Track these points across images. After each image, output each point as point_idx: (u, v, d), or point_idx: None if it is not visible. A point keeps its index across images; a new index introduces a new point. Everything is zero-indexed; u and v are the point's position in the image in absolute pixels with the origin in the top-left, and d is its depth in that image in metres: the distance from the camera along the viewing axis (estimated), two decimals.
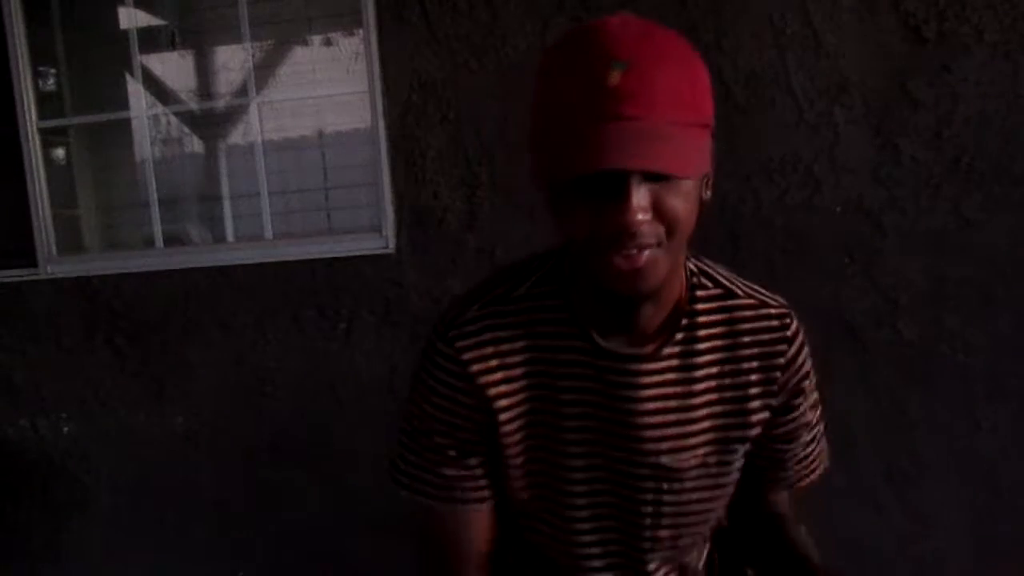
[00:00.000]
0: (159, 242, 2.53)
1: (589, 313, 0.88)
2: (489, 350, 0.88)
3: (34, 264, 2.54)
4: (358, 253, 2.32)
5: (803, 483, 1.02)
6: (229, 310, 2.42)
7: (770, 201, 2.10)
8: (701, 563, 1.07)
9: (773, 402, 0.91)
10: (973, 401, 2.08)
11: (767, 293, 0.94)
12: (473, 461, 0.92)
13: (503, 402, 0.88)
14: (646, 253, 0.76)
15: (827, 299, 2.09)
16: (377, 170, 2.30)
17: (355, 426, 2.34)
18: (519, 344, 0.88)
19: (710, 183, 0.83)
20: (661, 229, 0.76)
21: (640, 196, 0.73)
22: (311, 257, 2.36)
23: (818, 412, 0.99)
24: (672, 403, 0.89)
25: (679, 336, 0.89)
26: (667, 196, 0.75)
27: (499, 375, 0.88)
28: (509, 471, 0.92)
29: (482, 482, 0.93)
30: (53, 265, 2.54)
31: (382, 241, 2.31)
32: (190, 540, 2.52)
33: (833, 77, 2.04)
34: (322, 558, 2.45)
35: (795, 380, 0.92)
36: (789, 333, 0.91)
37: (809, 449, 0.99)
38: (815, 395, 0.97)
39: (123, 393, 2.51)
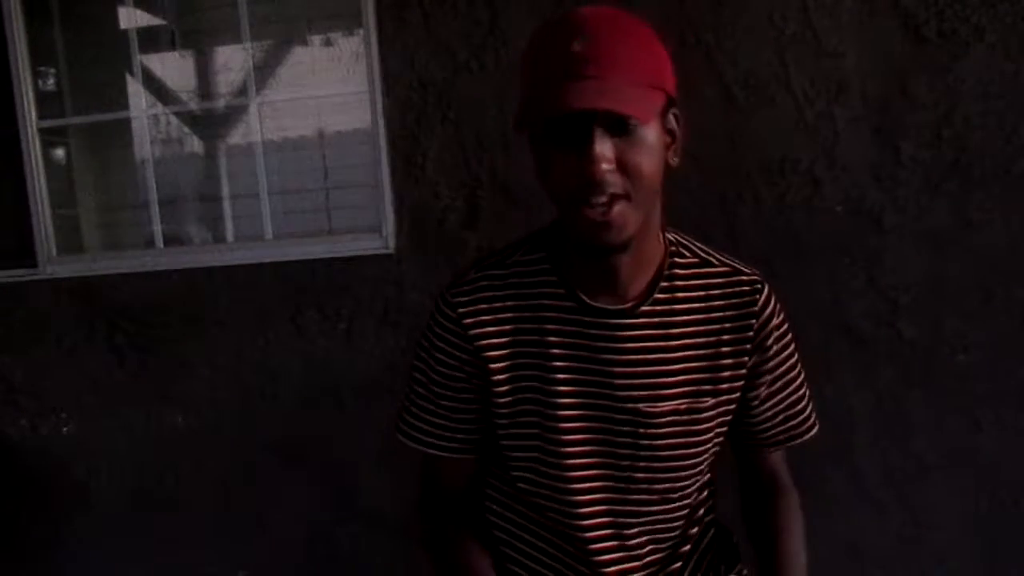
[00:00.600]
0: (159, 242, 2.53)
1: (575, 274, 0.99)
2: (482, 306, 0.99)
3: (34, 264, 2.54)
4: (358, 253, 2.32)
5: (795, 443, 1.11)
6: (229, 310, 2.42)
7: (770, 201, 2.10)
8: (690, 553, 1.12)
9: (746, 359, 1.02)
10: (973, 401, 2.08)
11: (741, 263, 1.04)
12: (465, 414, 1.04)
13: (494, 353, 0.99)
14: (615, 207, 0.87)
15: (827, 299, 2.09)
16: (377, 170, 2.30)
17: (355, 426, 2.34)
18: (510, 303, 1.00)
19: (677, 149, 0.94)
20: (626, 181, 0.87)
21: (603, 147, 0.85)
22: (311, 257, 2.36)
23: (801, 375, 1.08)
24: (649, 356, 0.99)
25: (658, 296, 0.99)
26: (629, 150, 0.86)
27: (491, 329, 0.99)
28: (502, 422, 1.02)
29: (471, 435, 1.05)
30: (53, 265, 2.54)
31: (382, 241, 2.31)
32: (190, 540, 2.52)
33: (833, 77, 2.04)
34: (322, 558, 2.45)
35: (768, 339, 1.02)
36: (760, 297, 1.01)
37: (798, 407, 1.09)
38: (795, 358, 1.07)
39: (123, 393, 2.51)
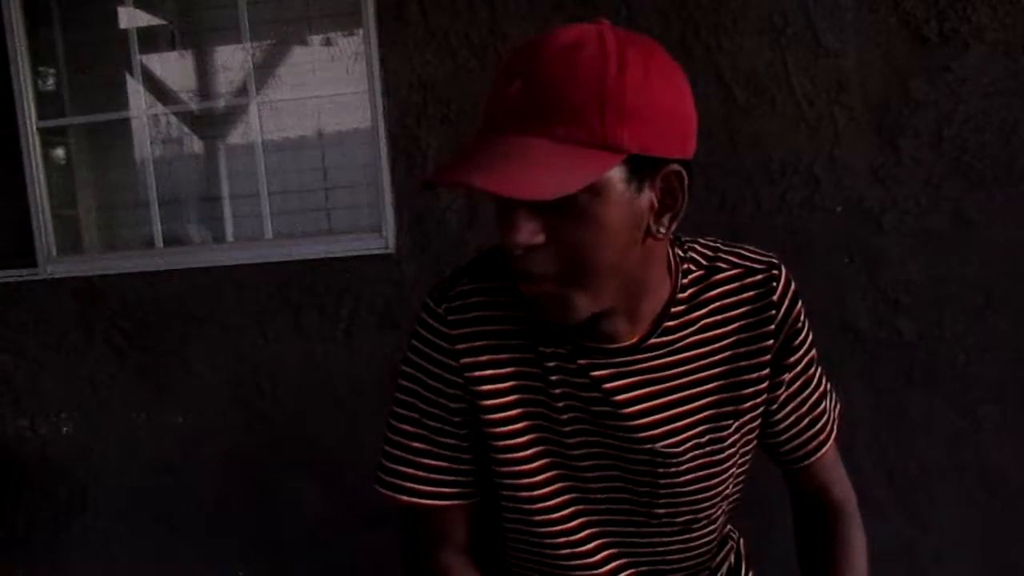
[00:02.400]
0: (159, 242, 2.53)
1: None
2: (475, 329, 0.85)
3: (34, 264, 2.53)
4: (358, 253, 2.32)
5: (825, 447, 1.01)
6: (229, 310, 2.42)
7: (770, 201, 2.10)
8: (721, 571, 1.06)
9: (766, 371, 0.90)
10: (973, 401, 2.08)
11: (751, 255, 0.92)
12: (458, 451, 0.89)
13: (487, 388, 0.86)
14: (547, 288, 0.73)
15: (827, 299, 2.09)
16: (377, 170, 2.30)
17: (355, 426, 2.34)
18: (508, 328, 0.86)
19: (673, 216, 0.78)
20: (558, 262, 0.71)
21: (521, 219, 0.69)
22: (311, 257, 2.36)
23: (819, 370, 0.98)
24: (660, 386, 0.87)
25: (668, 324, 0.87)
26: (564, 226, 0.69)
27: (483, 359, 0.85)
28: (508, 471, 0.89)
29: (466, 477, 0.90)
30: (53, 265, 2.54)
31: (382, 241, 2.31)
32: (190, 540, 2.52)
33: (833, 77, 2.04)
34: (322, 558, 2.45)
35: (788, 339, 0.91)
36: (776, 296, 0.90)
37: (821, 407, 0.99)
38: (813, 351, 0.95)
39: (123, 393, 2.51)
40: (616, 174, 0.70)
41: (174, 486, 2.51)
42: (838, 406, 1.05)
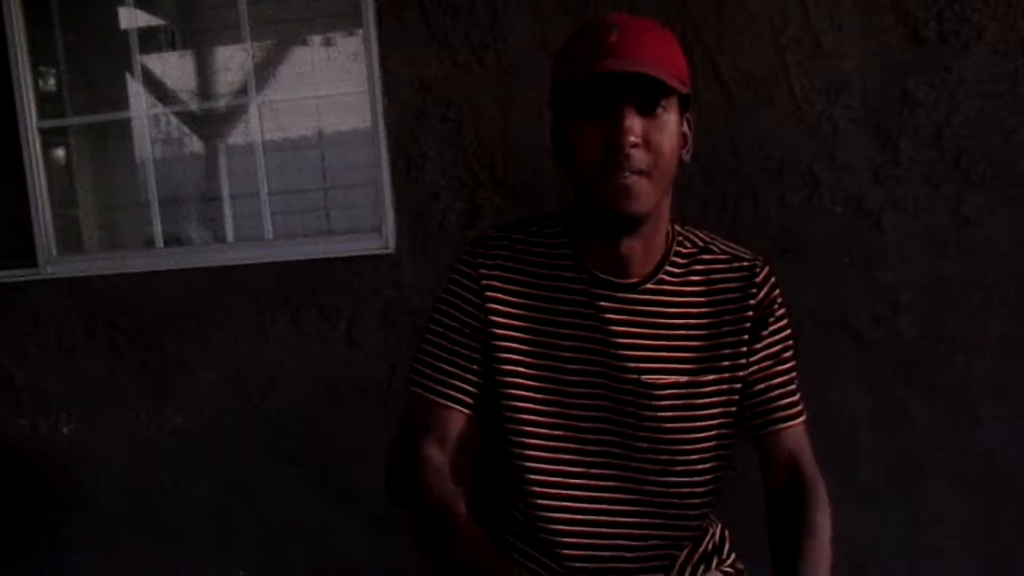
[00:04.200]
0: (159, 242, 2.53)
1: (588, 253, 1.05)
2: (499, 264, 1.06)
3: (34, 264, 2.53)
4: (358, 253, 2.32)
5: (796, 420, 1.09)
6: (229, 310, 2.42)
7: (770, 201, 2.10)
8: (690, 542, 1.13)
9: (746, 337, 1.06)
10: (973, 401, 2.08)
11: (742, 249, 1.11)
12: (472, 363, 1.06)
13: (503, 315, 1.05)
14: (636, 179, 0.94)
15: (827, 299, 2.09)
16: (377, 170, 2.30)
17: (355, 426, 2.34)
18: (526, 268, 1.07)
19: (689, 149, 1.03)
20: (649, 158, 0.95)
21: (632, 121, 0.94)
22: (311, 257, 2.36)
23: (792, 359, 1.10)
24: (652, 331, 1.05)
25: (663, 276, 1.06)
26: (653, 129, 0.95)
27: (502, 294, 1.05)
28: (510, 381, 1.05)
29: (472, 387, 1.06)
30: (53, 265, 2.54)
31: (382, 241, 2.31)
32: (190, 540, 2.52)
33: (833, 77, 2.04)
34: (322, 558, 2.45)
35: (765, 315, 1.07)
36: (759, 279, 1.07)
37: (791, 386, 1.10)
38: (789, 340, 1.10)
39: (123, 393, 2.51)
40: (676, 102, 0.98)
41: (174, 486, 2.51)
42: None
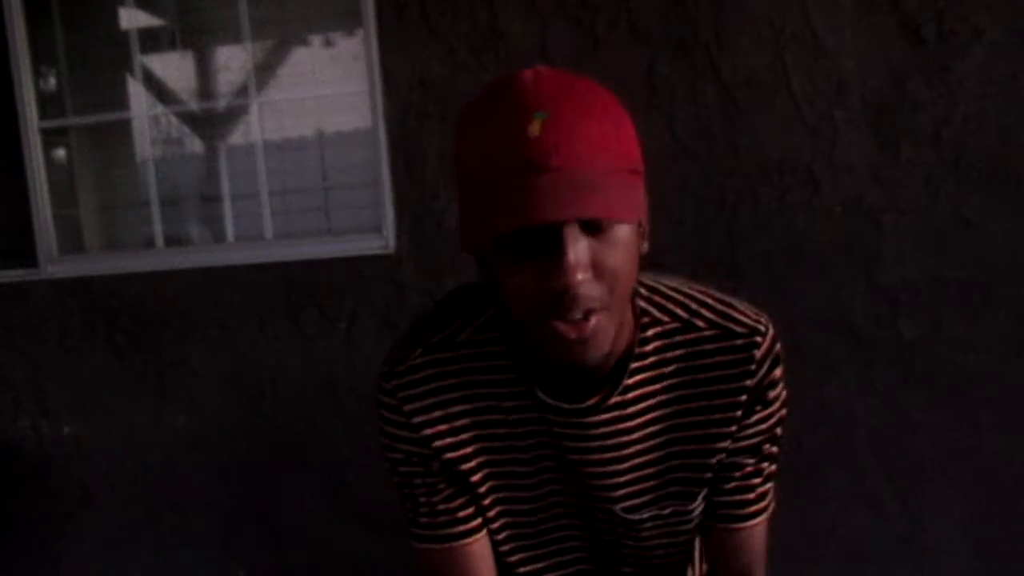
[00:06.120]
0: (159, 242, 2.53)
1: (532, 367, 0.83)
2: (431, 401, 0.85)
3: (34, 264, 2.54)
4: (358, 253, 2.32)
5: (755, 519, 0.91)
6: (229, 310, 2.42)
7: (770, 201, 2.10)
8: None
9: (733, 428, 0.85)
10: (973, 401, 2.08)
11: (736, 313, 0.85)
12: (449, 500, 0.89)
13: (451, 453, 0.86)
14: (592, 319, 0.72)
15: (827, 299, 2.09)
16: (377, 170, 2.30)
17: (355, 426, 2.34)
18: (463, 393, 0.85)
19: (647, 234, 0.79)
20: (604, 288, 0.72)
21: (579, 251, 0.69)
22: (311, 257, 2.36)
23: (773, 448, 0.90)
24: (623, 452, 0.85)
25: (628, 382, 0.83)
26: (605, 251, 0.71)
27: (443, 427, 0.86)
28: (483, 507, 0.90)
29: (465, 516, 0.90)
30: (53, 265, 2.54)
31: (382, 241, 2.31)
32: (190, 540, 2.52)
33: (833, 77, 2.04)
34: (322, 558, 2.45)
35: (759, 397, 0.85)
36: (758, 355, 0.83)
37: (754, 480, 0.90)
38: (779, 427, 0.88)
39: (123, 393, 2.51)
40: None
41: (174, 486, 2.51)
42: (772, 505, 0.94)
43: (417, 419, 0.85)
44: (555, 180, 0.67)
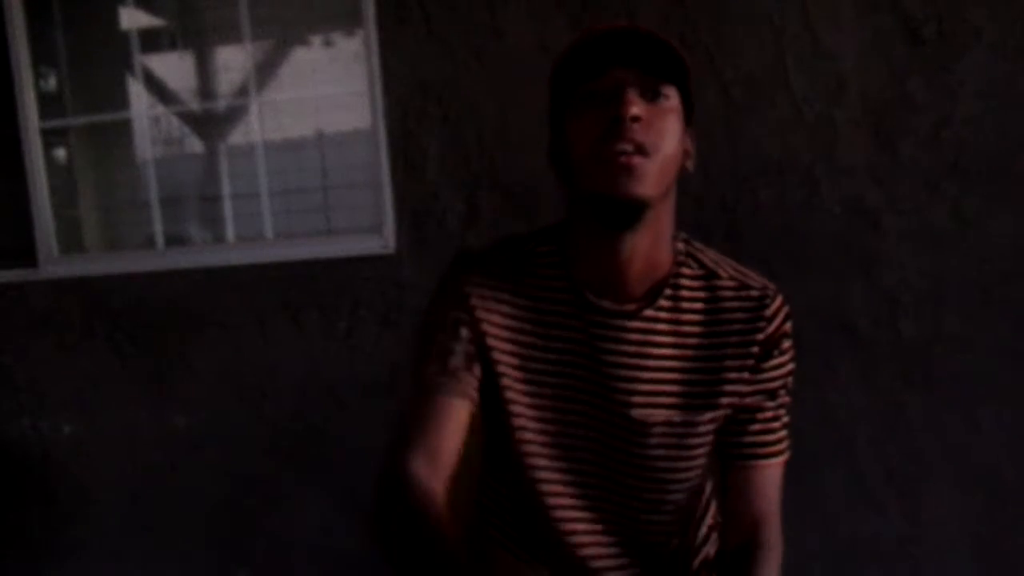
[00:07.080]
0: (160, 242, 2.53)
1: (583, 270, 0.98)
2: (489, 292, 1.00)
3: (34, 264, 2.54)
4: (358, 253, 2.32)
5: (773, 459, 1.03)
6: (229, 310, 2.42)
7: (769, 201, 2.10)
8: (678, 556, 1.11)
9: (747, 374, 0.99)
10: (973, 401, 2.08)
11: (752, 276, 1.02)
12: (467, 363, 0.99)
13: (490, 339, 0.99)
14: (637, 158, 0.87)
15: (827, 299, 2.09)
16: (377, 170, 2.30)
17: (355, 426, 2.34)
18: (518, 288, 1.00)
19: (691, 155, 0.96)
20: (650, 137, 0.88)
21: (634, 97, 0.88)
22: (311, 257, 2.36)
23: (786, 397, 1.03)
24: (648, 361, 0.98)
25: (662, 303, 0.98)
26: (655, 115, 0.89)
27: (492, 313, 0.99)
28: (507, 395, 1.00)
29: (469, 385, 0.99)
30: (53, 265, 2.54)
31: (382, 241, 2.31)
32: (190, 540, 2.52)
33: (832, 77, 2.04)
34: (322, 558, 2.45)
35: (770, 349, 0.99)
36: (769, 312, 0.99)
37: (774, 424, 1.02)
38: (790, 376, 1.02)
39: (123, 393, 2.51)
40: (678, 97, 0.93)
41: (174, 486, 2.51)
42: (788, 453, 1.06)
43: (474, 300, 0.99)
44: (625, 30, 0.90)
